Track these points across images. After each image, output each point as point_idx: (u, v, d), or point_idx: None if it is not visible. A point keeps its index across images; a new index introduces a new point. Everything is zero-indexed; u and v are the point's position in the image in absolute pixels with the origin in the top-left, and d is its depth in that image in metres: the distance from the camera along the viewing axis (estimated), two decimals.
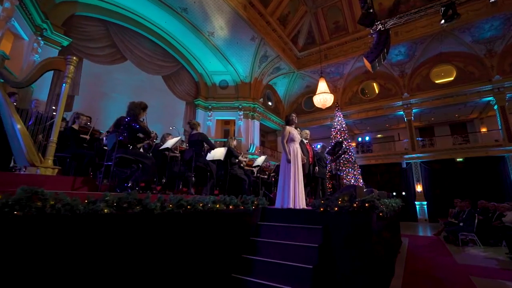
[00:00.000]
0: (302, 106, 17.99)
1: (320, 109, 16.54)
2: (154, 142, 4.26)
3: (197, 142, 3.78)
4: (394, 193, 13.66)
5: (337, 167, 12.58)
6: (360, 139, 17.94)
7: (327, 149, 5.02)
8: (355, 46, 14.24)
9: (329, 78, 15.78)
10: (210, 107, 14.83)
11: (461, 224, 6.03)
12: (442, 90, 13.20)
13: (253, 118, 14.91)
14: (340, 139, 12.15)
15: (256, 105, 15.03)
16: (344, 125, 13.49)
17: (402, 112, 14.28)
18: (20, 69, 7.61)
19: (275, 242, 2.79)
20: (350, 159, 12.73)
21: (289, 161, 3.69)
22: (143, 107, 3.17)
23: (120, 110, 4.89)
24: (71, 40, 9.13)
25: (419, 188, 13.05)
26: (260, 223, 3.14)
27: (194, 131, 3.88)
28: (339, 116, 13.76)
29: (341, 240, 2.60)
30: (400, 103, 14.23)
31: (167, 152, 3.73)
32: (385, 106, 14.77)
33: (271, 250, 2.77)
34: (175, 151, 4.04)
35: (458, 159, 12.66)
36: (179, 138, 3.80)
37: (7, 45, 7.62)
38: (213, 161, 4.31)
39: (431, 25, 12.15)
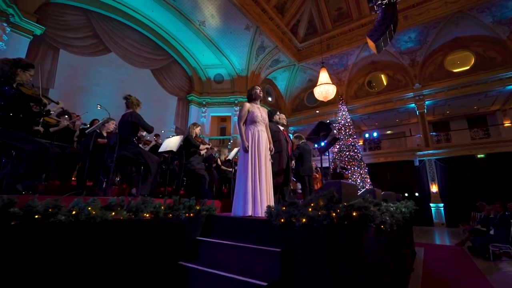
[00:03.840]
0: (305, 102, 16.87)
1: (323, 104, 15.43)
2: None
3: (126, 124, 2.80)
4: (406, 194, 12.36)
5: (343, 164, 11.44)
6: (367, 135, 16.64)
7: (308, 135, 3.85)
8: (360, 34, 13.00)
9: (332, 70, 14.63)
10: (204, 102, 13.93)
11: (491, 232, 4.82)
12: (458, 79, 11.83)
13: None
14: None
15: None
16: (349, 120, 12.32)
17: (413, 105, 12.95)
18: None
19: (213, 274, 1.76)
20: (356, 156, 11.55)
21: (246, 150, 2.67)
22: (23, 65, 2.20)
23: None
24: (44, 28, 8.40)
25: (434, 188, 11.69)
26: (200, 239, 2.11)
27: (128, 110, 2.91)
28: (344, 110, 12.60)
29: (311, 274, 1.55)
30: (411, 94, 12.91)
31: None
32: (395, 98, 13.48)
33: (207, 286, 1.74)
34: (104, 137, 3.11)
35: (479, 156, 11.25)
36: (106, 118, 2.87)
37: None
38: (167, 152, 3.33)
39: (445, 5, 10.89)
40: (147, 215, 1.92)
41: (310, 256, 1.58)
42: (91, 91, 9.50)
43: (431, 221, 11.39)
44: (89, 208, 1.59)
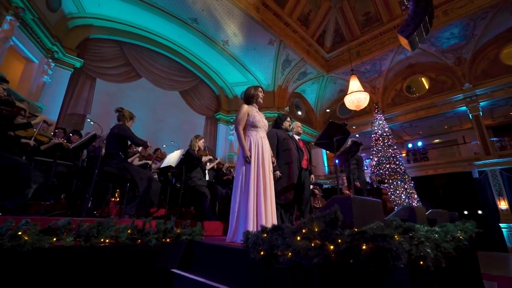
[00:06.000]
0: (337, 113, 15.95)
1: (358, 115, 14.41)
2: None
3: (112, 137, 2.58)
4: (466, 212, 10.49)
5: (382, 178, 10.21)
6: (410, 145, 14.92)
7: (317, 139, 3.13)
8: (393, 37, 12.02)
9: (365, 78, 13.71)
10: (232, 120, 13.93)
11: None
12: None
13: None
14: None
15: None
16: (387, 130, 11.14)
17: (465, 108, 11.29)
18: (28, 91, 7.71)
19: None
20: (399, 169, 10.23)
21: (248, 160, 2.21)
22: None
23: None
24: (83, 61, 9.25)
25: (503, 204, 9.68)
26: (176, 272, 1.67)
27: (119, 123, 2.71)
28: (380, 119, 11.48)
29: None
30: (461, 96, 11.31)
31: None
32: (440, 102, 11.94)
33: None
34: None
35: None
36: (91, 133, 2.70)
37: (18, 68, 7.85)
38: (168, 168, 3.05)
39: None
40: (107, 241, 1.56)
41: None
42: None
43: (503, 246, 9.33)
44: (20, 233, 1.28)
